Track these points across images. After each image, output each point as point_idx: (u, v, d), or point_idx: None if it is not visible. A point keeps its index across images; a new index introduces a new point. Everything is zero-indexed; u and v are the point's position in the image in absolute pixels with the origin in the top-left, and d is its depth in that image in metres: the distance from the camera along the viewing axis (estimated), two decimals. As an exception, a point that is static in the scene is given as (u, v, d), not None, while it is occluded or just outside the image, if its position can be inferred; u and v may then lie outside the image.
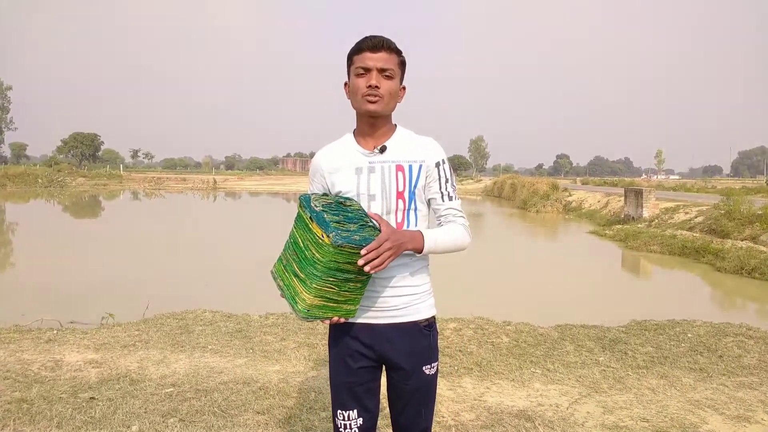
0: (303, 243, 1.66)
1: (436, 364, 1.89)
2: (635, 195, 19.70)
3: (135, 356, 4.47)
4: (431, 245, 1.74)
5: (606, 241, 16.23)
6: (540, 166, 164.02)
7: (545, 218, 25.67)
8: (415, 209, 1.83)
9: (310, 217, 1.63)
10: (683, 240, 13.50)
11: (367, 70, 1.77)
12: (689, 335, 5.40)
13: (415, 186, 1.81)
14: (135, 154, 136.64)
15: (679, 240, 13.59)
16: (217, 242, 15.26)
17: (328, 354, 1.96)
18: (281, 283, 1.75)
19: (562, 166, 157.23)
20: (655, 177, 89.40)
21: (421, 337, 1.84)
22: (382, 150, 1.82)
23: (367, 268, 1.58)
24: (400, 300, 1.81)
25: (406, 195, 1.80)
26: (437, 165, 1.84)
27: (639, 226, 17.49)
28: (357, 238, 1.58)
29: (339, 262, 1.58)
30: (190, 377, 4.00)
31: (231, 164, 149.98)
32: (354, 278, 1.64)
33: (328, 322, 1.72)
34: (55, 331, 5.22)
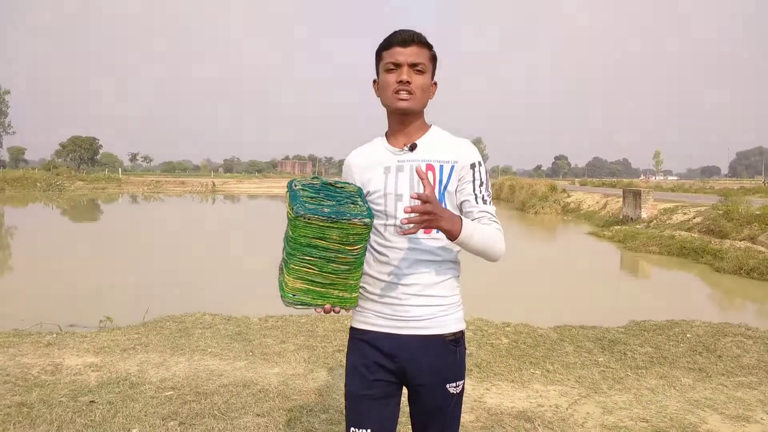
0: (287, 226, 1.61)
1: (461, 382, 1.75)
2: (633, 196, 19.73)
3: (135, 359, 4.47)
4: (468, 234, 1.57)
5: (605, 242, 16.25)
6: (538, 167, 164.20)
7: (544, 219, 25.69)
8: None
9: (288, 198, 1.59)
10: (682, 240, 13.53)
11: (398, 65, 1.69)
12: (688, 335, 5.41)
13: (445, 188, 1.71)
14: (133, 157, 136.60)
15: (678, 240, 13.61)
16: (216, 245, 15.26)
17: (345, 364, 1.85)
18: (278, 274, 1.66)
19: (560, 168, 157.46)
20: (654, 178, 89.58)
21: (446, 353, 1.71)
22: (412, 148, 1.73)
23: (403, 220, 1.48)
24: (422, 310, 1.69)
25: (436, 196, 1.66)
26: (472, 166, 1.73)
27: (637, 226, 17.52)
28: (326, 210, 1.50)
29: (309, 237, 1.50)
30: (189, 380, 4.00)
31: (229, 167, 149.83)
32: (335, 258, 1.54)
33: (321, 311, 1.60)
34: (54, 335, 5.21)
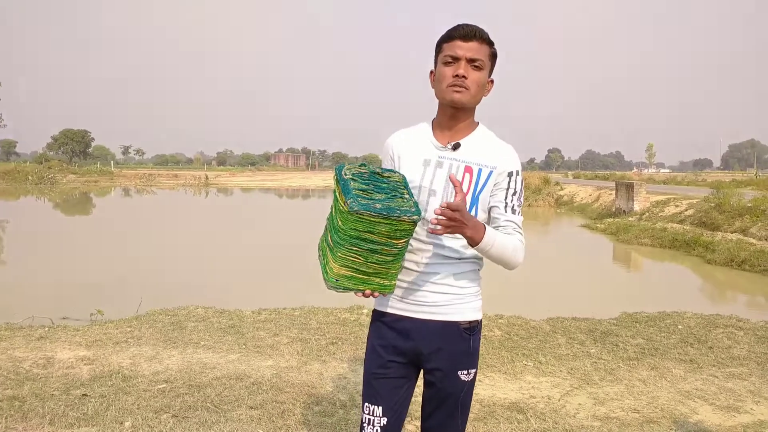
0: (333, 212, 1.64)
1: (474, 371, 1.80)
2: (626, 188, 19.81)
3: (127, 353, 4.46)
4: (488, 242, 1.62)
5: (597, 234, 16.32)
6: (532, 160, 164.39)
7: (537, 212, 25.75)
8: (476, 215, 1.73)
9: (339, 186, 1.62)
10: (674, 233, 13.60)
11: (456, 59, 1.70)
12: (680, 327, 5.45)
13: (480, 191, 1.73)
14: (126, 150, 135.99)
15: (670, 233, 13.69)
16: (208, 238, 15.22)
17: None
18: (320, 254, 1.72)
19: (553, 161, 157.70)
20: (646, 170, 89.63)
21: (459, 340, 1.76)
22: (455, 147, 1.75)
23: (433, 220, 1.52)
24: (440, 297, 1.74)
25: (468, 198, 1.71)
26: (509, 174, 1.75)
27: (630, 219, 17.59)
28: (378, 206, 1.54)
29: (359, 231, 1.55)
30: (182, 373, 4.00)
31: (223, 160, 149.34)
32: (380, 250, 1.58)
33: (360, 295, 1.64)
34: (46, 329, 5.19)
